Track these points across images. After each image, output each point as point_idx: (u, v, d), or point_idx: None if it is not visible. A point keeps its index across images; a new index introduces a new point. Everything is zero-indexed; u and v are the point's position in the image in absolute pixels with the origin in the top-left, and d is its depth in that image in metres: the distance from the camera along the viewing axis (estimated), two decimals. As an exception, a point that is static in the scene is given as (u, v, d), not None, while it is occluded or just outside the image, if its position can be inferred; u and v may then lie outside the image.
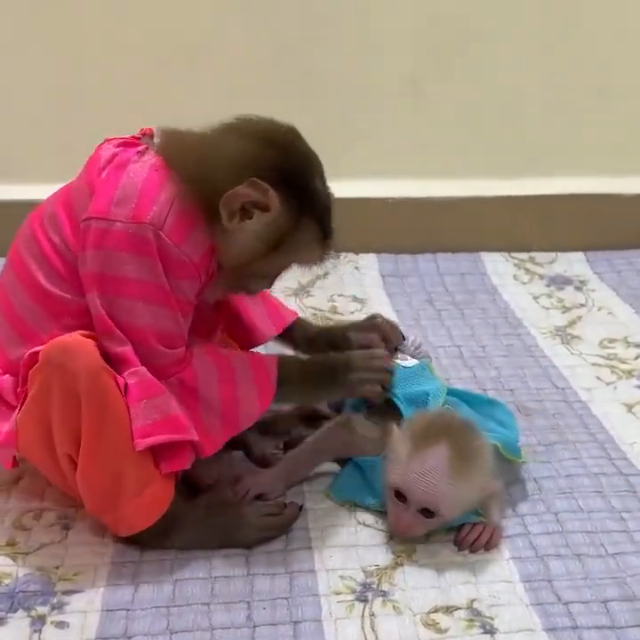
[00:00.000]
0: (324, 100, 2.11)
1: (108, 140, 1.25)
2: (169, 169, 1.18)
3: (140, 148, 1.21)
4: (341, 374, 1.34)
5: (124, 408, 1.16)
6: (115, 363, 1.18)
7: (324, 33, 2.09)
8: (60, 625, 1.12)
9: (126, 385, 1.17)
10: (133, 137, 1.25)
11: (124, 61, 2.07)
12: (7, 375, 1.25)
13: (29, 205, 1.31)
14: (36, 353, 1.18)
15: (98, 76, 2.07)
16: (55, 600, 1.16)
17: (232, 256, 1.21)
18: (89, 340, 1.17)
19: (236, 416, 1.25)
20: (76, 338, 1.17)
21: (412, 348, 1.44)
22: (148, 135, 1.24)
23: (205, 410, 1.22)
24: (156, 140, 1.22)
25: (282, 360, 1.31)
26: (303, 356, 1.43)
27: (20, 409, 1.21)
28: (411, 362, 1.40)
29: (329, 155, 2.09)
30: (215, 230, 1.19)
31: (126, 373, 1.17)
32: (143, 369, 1.18)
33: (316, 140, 2.10)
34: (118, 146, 1.23)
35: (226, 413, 1.24)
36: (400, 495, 1.24)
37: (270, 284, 1.31)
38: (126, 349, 1.18)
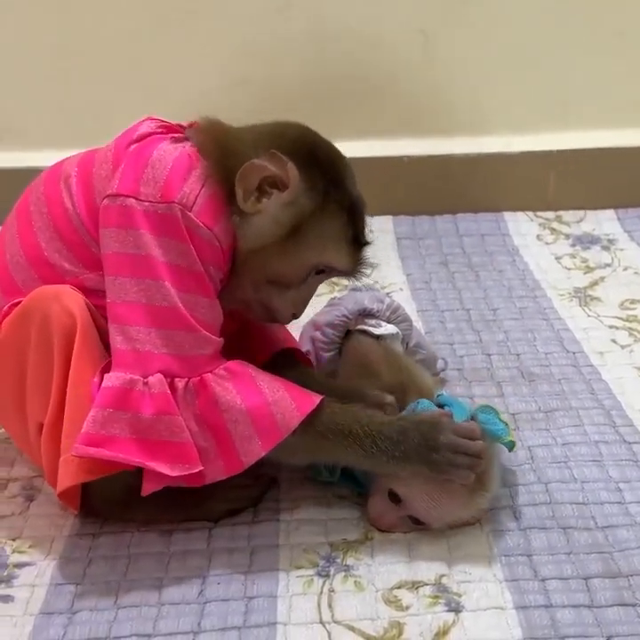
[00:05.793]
0: (333, 57, 2.03)
1: (150, 119, 1.18)
2: (202, 157, 1.12)
3: (177, 136, 1.15)
4: (423, 446, 1.09)
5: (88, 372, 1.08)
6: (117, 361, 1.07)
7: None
8: (5, 599, 1.08)
9: (100, 385, 1.06)
10: (178, 125, 1.18)
11: (123, 21, 2.00)
12: None
13: (27, 172, 1.26)
14: (18, 303, 1.13)
15: (97, 37, 2.01)
16: (5, 573, 1.12)
17: (247, 243, 1.11)
18: (81, 295, 1.10)
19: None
20: (65, 288, 1.11)
21: (388, 313, 1.33)
22: (193, 128, 1.17)
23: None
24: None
25: (329, 402, 1.11)
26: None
27: None
28: (385, 328, 1.30)
29: (339, 112, 2.05)
30: (235, 218, 1.11)
31: (111, 374, 1.06)
32: (130, 377, 1.05)
33: (327, 97, 2.04)
34: (159, 127, 1.16)
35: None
36: (395, 497, 1.14)
37: (295, 305, 1.16)
38: (130, 349, 1.06)
